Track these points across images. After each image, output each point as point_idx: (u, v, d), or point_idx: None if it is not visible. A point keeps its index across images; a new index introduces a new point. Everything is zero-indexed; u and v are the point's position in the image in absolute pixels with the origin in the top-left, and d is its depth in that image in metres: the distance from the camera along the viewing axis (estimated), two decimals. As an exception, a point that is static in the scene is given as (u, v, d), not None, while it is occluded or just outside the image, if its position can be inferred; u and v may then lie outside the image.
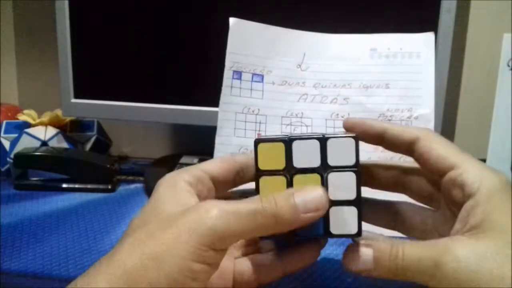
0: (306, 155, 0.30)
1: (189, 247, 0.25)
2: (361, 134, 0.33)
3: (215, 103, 0.48)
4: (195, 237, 0.25)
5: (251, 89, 0.48)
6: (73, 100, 0.65)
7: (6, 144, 0.66)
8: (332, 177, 0.30)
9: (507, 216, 0.26)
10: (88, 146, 0.72)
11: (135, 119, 0.65)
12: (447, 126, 0.69)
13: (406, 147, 0.32)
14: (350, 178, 0.30)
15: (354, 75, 0.48)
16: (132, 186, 0.63)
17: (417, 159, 0.32)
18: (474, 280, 0.25)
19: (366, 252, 0.28)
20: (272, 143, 0.31)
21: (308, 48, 0.49)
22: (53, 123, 0.69)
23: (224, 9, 0.55)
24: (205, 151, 0.52)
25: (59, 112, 0.70)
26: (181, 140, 0.80)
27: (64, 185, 0.60)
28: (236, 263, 0.32)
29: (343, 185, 0.30)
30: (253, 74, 0.49)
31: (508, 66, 0.52)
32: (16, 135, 0.66)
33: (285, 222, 0.27)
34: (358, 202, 0.30)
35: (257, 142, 0.31)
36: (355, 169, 0.30)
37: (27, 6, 0.84)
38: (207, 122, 0.59)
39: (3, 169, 0.66)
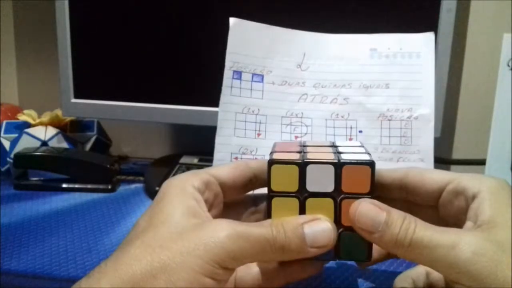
0: (320, 179, 0.30)
1: (201, 262, 0.25)
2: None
3: (215, 103, 0.48)
4: (207, 254, 0.25)
5: (251, 89, 0.48)
6: (73, 100, 0.65)
7: (6, 144, 0.66)
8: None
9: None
10: (88, 146, 0.72)
11: (135, 119, 0.65)
12: (447, 126, 0.69)
13: (398, 185, 0.32)
14: None
15: (354, 75, 0.48)
16: (132, 186, 0.63)
17: (412, 191, 0.32)
18: (492, 269, 0.25)
19: (379, 214, 0.28)
20: (286, 165, 0.30)
21: (308, 48, 0.49)
22: (53, 123, 0.69)
23: (224, 9, 0.55)
24: (205, 151, 0.52)
25: (59, 112, 0.70)
26: (181, 140, 0.80)
27: (64, 185, 0.60)
28: (238, 268, 0.32)
29: None
30: (253, 74, 0.49)
31: (508, 66, 0.52)
32: (16, 135, 0.66)
33: (292, 253, 0.28)
34: None
35: (270, 163, 0.30)
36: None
37: (27, 6, 0.84)
38: (207, 122, 0.59)
39: (3, 169, 0.66)
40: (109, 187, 0.59)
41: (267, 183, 0.30)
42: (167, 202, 0.29)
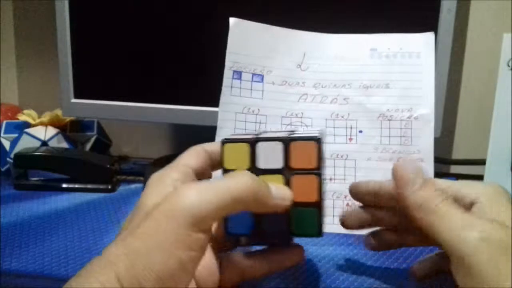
0: (270, 156, 0.31)
1: (170, 235, 0.25)
2: (355, 195, 0.36)
3: (215, 103, 0.48)
4: (173, 223, 0.25)
5: (251, 89, 0.48)
6: (73, 100, 0.65)
7: (6, 144, 0.66)
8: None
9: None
10: (88, 146, 0.72)
11: (135, 119, 0.65)
12: (447, 126, 0.69)
13: (389, 196, 0.33)
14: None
15: (354, 75, 0.48)
16: (132, 186, 0.63)
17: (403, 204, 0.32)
18: (492, 262, 0.25)
19: (420, 172, 0.30)
20: (238, 143, 0.31)
21: (308, 48, 0.49)
22: (53, 123, 0.69)
23: (224, 9, 0.55)
24: (205, 151, 0.52)
25: (59, 112, 0.70)
26: (181, 140, 0.80)
27: (64, 185, 0.60)
28: (223, 257, 0.33)
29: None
30: (253, 74, 0.49)
31: (508, 66, 0.52)
32: (16, 135, 0.66)
33: (259, 202, 0.28)
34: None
35: (223, 142, 0.31)
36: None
37: (27, 6, 0.84)
38: (207, 122, 0.59)
39: (3, 169, 0.66)
40: (109, 187, 0.59)
41: (220, 161, 0.32)
42: (144, 197, 0.30)
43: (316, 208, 0.31)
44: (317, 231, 0.31)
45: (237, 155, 0.31)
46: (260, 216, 0.31)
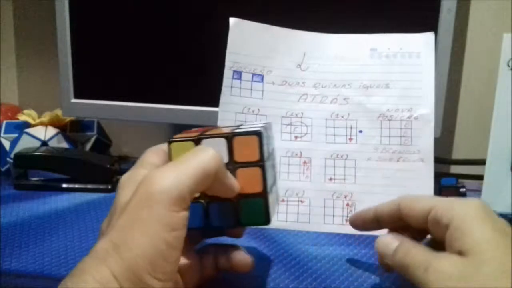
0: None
1: (151, 220, 0.26)
2: (363, 224, 0.38)
3: (215, 103, 0.48)
4: (153, 208, 0.26)
5: (251, 89, 0.48)
6: (73, 100, 0.65)
7: (6, 144, 0.66)
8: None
9: (486, 234, 0.28)
10: (88, 146, 0.72)
11: (135, 119, 0.65)
12: (447, 126, 0.69)
13: (397, 218, 0.35)
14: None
15: (354, 75, 0.48)
16: (132, 186, 0.62)
17: (406, 222, 0.34)
18: None
19: (392, 243, 0.33)
20: (184, 142, 0.32)
21: (308, 48, 0.49)
22: (53, 123, 0.69)
23: (224, 9, 0.55)
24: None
25: (59, 112, 0.70)
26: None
27: (64, 185, 0.60)
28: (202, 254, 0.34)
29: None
30: (253, 74, 0.49)
31: (508, 66, 0.52)
32: (16, 135, 0.66)
33: (221, 170, 0.29)
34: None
35: (169, 142, 0.32)
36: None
37: (27, 6, 0.84)
38: (207, 122, 0.59)
39: (3, 169, 0.66)
40: (109, 187, 0.59)
41: (168, 160, 0.33)
42: (117, 197, 0.30)
43: (262, 198, 0.32)
44: (264, 219, 0.32)
45: (184, 153, 0.32)
46: (209, 209, 0.32)
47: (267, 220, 0.32)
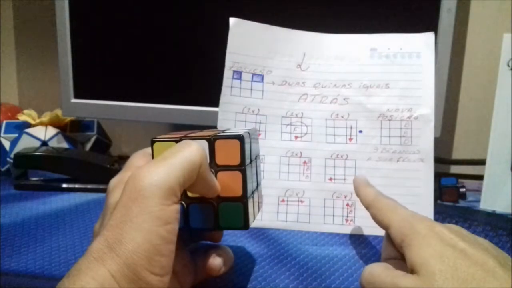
0: None
1: (144, 216, 0.26)
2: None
3: (215, 103, 0.48)
4: (144, 204, 0.26)
5: (251, 89, 0.48)
6: (73, 100, 0.65)
7: (6, 144, 0.66)
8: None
9: (432, 252, 0.28)
10: (88, 146, 0.72)
11: (135, 119, 0.65)
12: (447, 126, 0.69)
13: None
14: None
15: (354, 75, 0.48)
16: (132, 186, 0.62)
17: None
18: None
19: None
20: (166, 142, 0.33)
21: (308, 48, 0.49)
22: (53, 123, 0.69)
23: (224, 9, 0.55)
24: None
25: (59, 112, 0.70)
26: (181, 140, 0.80)
27: (64, 185, 0.60)
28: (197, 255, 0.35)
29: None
30: (253, 74, 0.49)
31: (508, 66, 0.52)
32: (16, 135, 0.66)
33: (204, 164, 0.29)
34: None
35: (152, 141, 0.33)
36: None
37: (27, 6, 0.84)
38: (207, 122, 0.59)
39: (3, 169, 0.66)
40: (109, 187, 0.59)
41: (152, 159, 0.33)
42: (110, 198, 0.30)
43: (241, 202, 0.32)
44: (242, 224, 0.32)
45: None
46: (189, 210, 0.33)
47: (245, 225, 0.32)
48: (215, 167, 0.32)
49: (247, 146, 0.33)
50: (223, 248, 0.36)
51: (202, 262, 0.34)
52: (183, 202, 0.33)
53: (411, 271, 0.29)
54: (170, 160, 0.28)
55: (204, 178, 0.30)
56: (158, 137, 0.33)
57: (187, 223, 0.33)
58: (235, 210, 0.32)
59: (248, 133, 0.34)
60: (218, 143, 0.32)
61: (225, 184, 0.32)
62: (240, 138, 0.32)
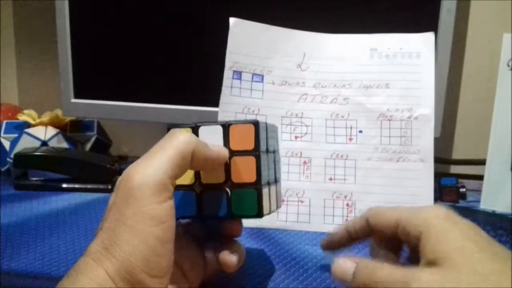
0: (211, 139, 0.32)
1: (137, 217, 0.26)
2: (338, 244, 0.36)
3: (215, 103, 0.48)
4: (136, 204, 0.26)
5: (251, 89, 0.48)
6: (73, 100, 0.65)
7: (6, 144, 0.66)
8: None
9: (453, 245, 0.27)
10: (88, 146, 0.72)
11: (135, 119, 0.65)
12: (447, 126, 0.69)
13: (367, 231, 0.34)
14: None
15: (354, 75, 0.48)
16: (132, 186, 0.62)
17: (376, 233, 0.33)
18: None
19: (349, 266, 0.30)
20: (182, 128, 0.33)
21: (308, 48, 0.49)
22: (53, 123, 0.69)
23: (224, 9, 0.55)
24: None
25: (59, 112, 0.70)
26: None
27: (64, 185, 0.60)
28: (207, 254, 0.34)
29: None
30: (253, 74, 0.49)
31: (508, 66, 0.52)
32: (16, 135, 0.66)
33: (200, 148, 0.29)
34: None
35: (168, 127, 0.33)
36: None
37: (27, 6, 0.84)
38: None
39: (3, 169, 0.66)
40: (109, 187, 0.59)
41: None
42: (111, 197, 0.30)
43: (255, 188, 0.32)
44: (256, 211, 0.32)
45: None
46: (203, 198, 0.32)
47: (259, 213, 0.32)
48: (229, 152, 0.32)
49: (262, 132, 0.33)
50: (237, 243, 0.35)
51: (214, 258, 0.33)
52: (196, 190, 0.32)
53: (428, 264, 0.28)
54: (157, 155, 0.28)
55: (203, 158, 0.30)
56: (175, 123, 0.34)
57: (200, 212, 0.32)
58: (249, 197, 0.32)
59: (265, 123, 0.34)
60: (233, 128, 0.32)
61: (239, 170, 0.32)
62: (255, 123, 0.32)
